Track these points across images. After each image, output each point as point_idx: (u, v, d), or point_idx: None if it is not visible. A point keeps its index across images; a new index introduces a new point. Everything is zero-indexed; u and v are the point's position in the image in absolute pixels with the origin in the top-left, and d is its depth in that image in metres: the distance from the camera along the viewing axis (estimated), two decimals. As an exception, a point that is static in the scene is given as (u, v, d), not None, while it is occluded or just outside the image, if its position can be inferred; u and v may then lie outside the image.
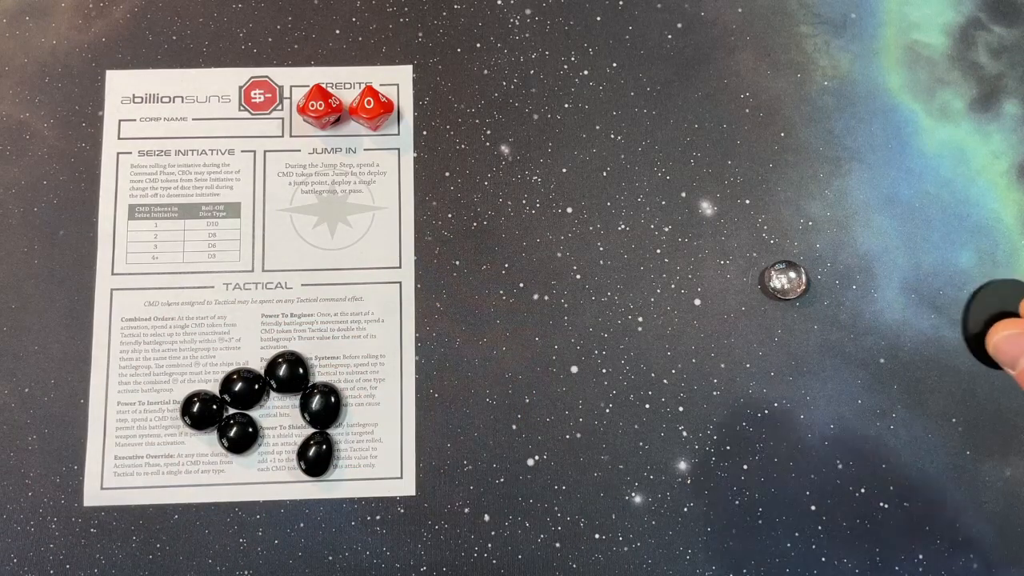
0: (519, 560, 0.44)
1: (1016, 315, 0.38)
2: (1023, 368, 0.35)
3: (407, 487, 0.45)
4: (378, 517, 0.44)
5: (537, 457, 0.45)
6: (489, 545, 0.44)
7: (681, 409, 0.46)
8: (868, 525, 0.45)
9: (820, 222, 0.48)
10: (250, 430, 0.44)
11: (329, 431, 0.45)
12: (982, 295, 0.38)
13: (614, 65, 0.49)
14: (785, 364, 0.46)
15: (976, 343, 0.38)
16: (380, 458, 0.45)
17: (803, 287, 0.46)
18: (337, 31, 0.49)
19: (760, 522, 0.45)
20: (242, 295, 0.46)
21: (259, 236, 0.47)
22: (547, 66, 0.49)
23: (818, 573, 0.44)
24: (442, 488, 0.45)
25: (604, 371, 0.46)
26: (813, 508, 0.45)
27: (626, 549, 0.44)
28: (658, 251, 0.47)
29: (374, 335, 0.46)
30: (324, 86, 0.48)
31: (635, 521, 0.45)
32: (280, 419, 0.45)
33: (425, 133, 0.48)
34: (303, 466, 0.44)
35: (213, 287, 0.46)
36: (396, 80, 0.49)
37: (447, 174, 0.48)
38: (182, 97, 0.48)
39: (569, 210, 0.48)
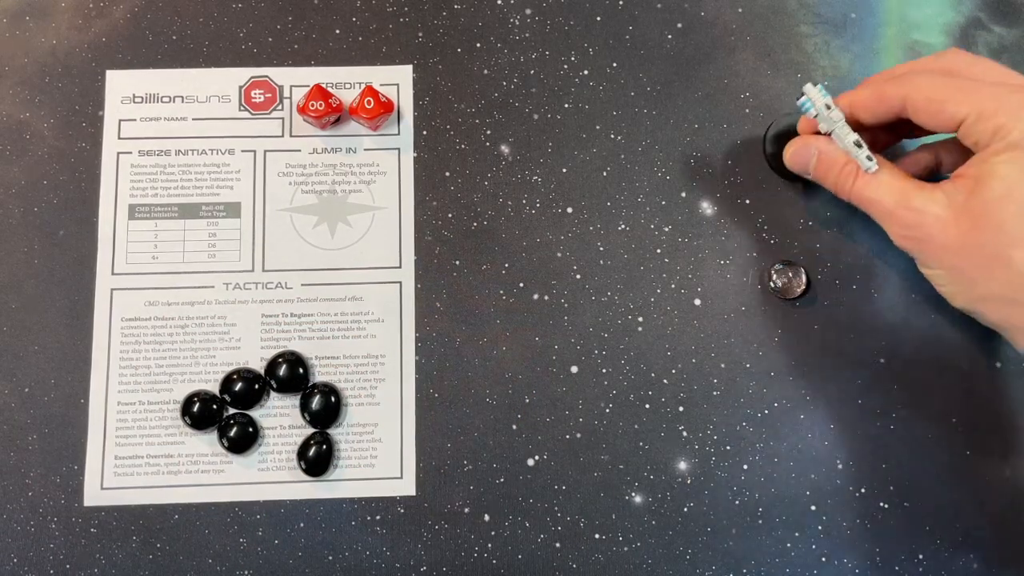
0: (519, 560, 0.44)
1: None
2: (815, 168, 0.43)
3: (407, 487, 0.45)
4: (378, 517, 0.44)
5: (537, 457, 0.45)
6: (489, 545, 0.44)
7: (681, 409, 0.46)
8: (868, 525, 0.45)
9: (820, 222, 0.48)
10: (250, 430, 0.44)
11: (329, 431, 0.45)
12: (772, 128, 0.47)
13: (614, 65, 0.49)
14: (785, 364, 0.46)
15: (775, 162, 0.47)
16: (380, 458, 0.45)
17: (803, 287, 0.46)
18: (337, 31, 0.49)
19: (760, 522, 0.45)
20: (242, 295, 0.46)
21: (259, 236, 0.47)
22: (547, 66, 0.49)
23: (818, 573, 0.44)
24: (442, 488, 0.45)
25: (604, 371, 0.46)
26: (813, 508, 0.45)
27: (626, 549, 0.44)
28: (658, 251, 0.47)
29: (374, 335, 0.46)
30: (324, 86, 0.48)
31: (635, 521, 0.45)
32: (280, 419, 0.45)
33: (425, 133, 0.48)
34: (303, 466, 0.44)
35: (213, 287, 0.46)
36: (396, 80, 0.49)
37: (447, 174, 0.48)
38: (182, 97, 0.48)
39: (569, 210, 0.48)
